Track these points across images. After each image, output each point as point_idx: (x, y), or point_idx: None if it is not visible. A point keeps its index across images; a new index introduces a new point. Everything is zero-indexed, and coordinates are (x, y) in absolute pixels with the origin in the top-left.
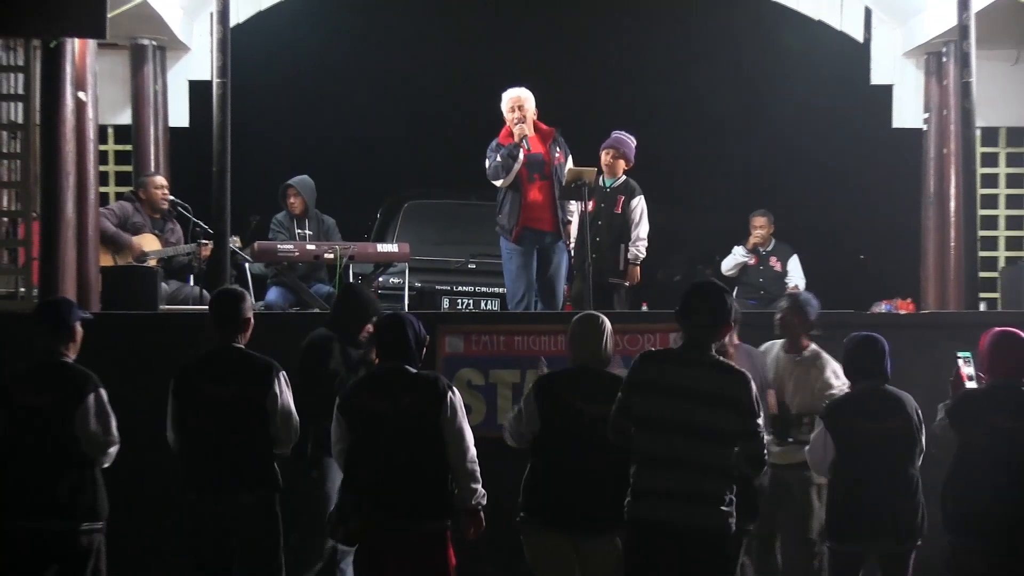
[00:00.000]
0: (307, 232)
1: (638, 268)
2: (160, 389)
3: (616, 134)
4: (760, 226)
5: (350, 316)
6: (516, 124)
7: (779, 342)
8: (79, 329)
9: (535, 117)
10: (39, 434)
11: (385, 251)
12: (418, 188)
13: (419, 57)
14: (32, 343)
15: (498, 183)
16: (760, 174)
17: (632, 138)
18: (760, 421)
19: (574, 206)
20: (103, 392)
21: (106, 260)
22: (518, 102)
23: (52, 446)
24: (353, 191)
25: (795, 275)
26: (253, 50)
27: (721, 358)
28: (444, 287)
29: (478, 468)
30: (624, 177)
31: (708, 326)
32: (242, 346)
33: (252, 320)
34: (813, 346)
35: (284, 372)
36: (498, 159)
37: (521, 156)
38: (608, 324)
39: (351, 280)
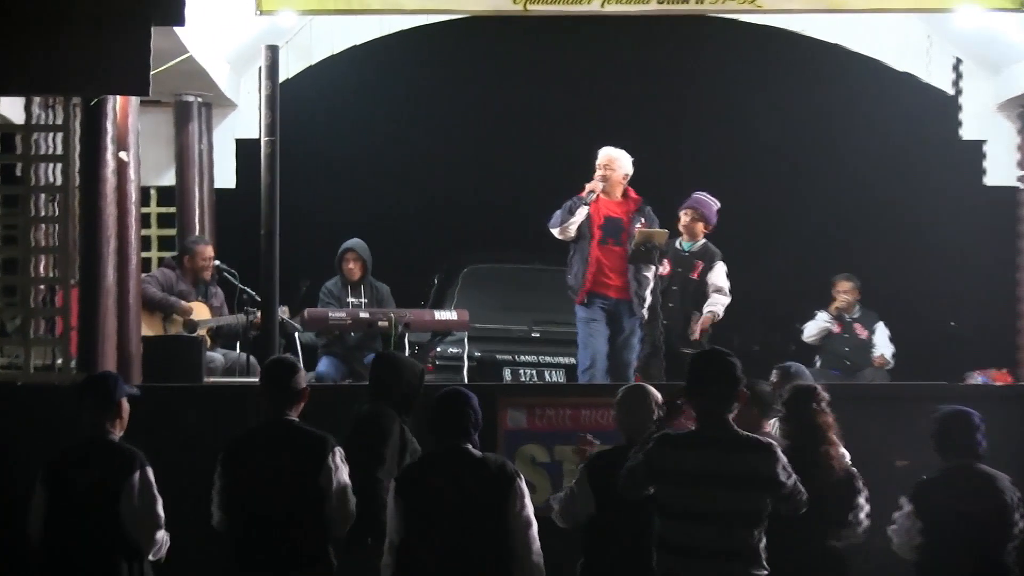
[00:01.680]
0: (360, 300)
1: (708, 321)
2: (206, 466)
3: (697, 195)
4: (844, 291)
5: (400, 384)
6: (603, 182)
7: None
8: (125, 406)
9: (626, 182)
10: (84, 516)
11: (443, 319)
12: (478, 252)
13: (481, 113)
14: (71, 418)
15: (554, 232)
16: (843, 234)
17: (714, 200)
18: (791, 482)
19: (651, 274)
20: (150, 472)
21: (152, 327)
22: (606, 160)
23: (97, 530)
24: (409, 255)
25: (882, 344)
26: (304, 106)
27: (741, 431)
28: (506, 357)
29: (542, 560)
30: (704, 241)
31: (722, 397)
32: (295, 419)
33: (307, 392)
34: None
35: (340, 448)
36: (560, 210)
37: (583, 211)
38: (656, 394)
39: (392, 350)
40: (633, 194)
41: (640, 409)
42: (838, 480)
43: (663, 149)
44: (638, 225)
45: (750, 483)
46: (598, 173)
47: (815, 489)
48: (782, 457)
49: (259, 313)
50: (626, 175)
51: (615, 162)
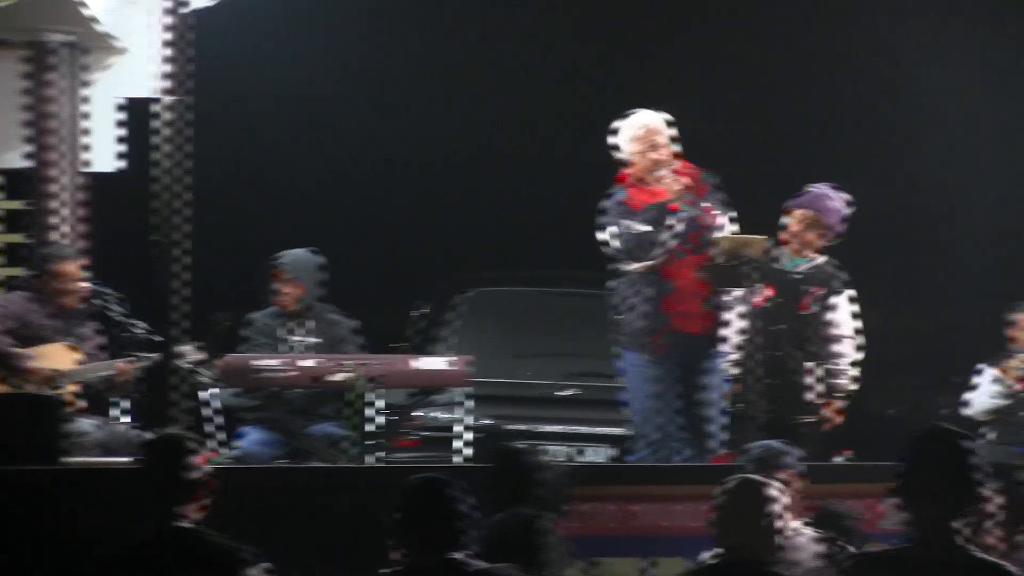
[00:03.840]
0: (306, 339)
1: (840, 403)
2: None
3: (815, 189)
4: None
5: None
6: (658, 171)
7: None
8: None
9: (677, 155)
10: None
11: (433, 369)
12: (485, 269)
13: (484, 67)
14: None
15: (640, 267)
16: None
17: (841, 198)
18: None
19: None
20: None
21: None
22: (653, 136)
23: None
24: (382, 273)
25: None
26: (229, 51)
27: (975, 550)
28: (526, 426)
29: None
30: (820, 257)
31: (949, 500)
32: (194, 525)
33: (210, 484)
34: None
35: (268, 567)
36: (637, 229)
37: (678, 224)
38: (777, 496)
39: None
40: (691, 170)
41: (750, 513)
42: None
43: (757, 122)
44: (711, 211)
45: None
46: (650, 157)
47: None
48: None
49: (152, 358)
50: (675, 146)
51: (662, 133)
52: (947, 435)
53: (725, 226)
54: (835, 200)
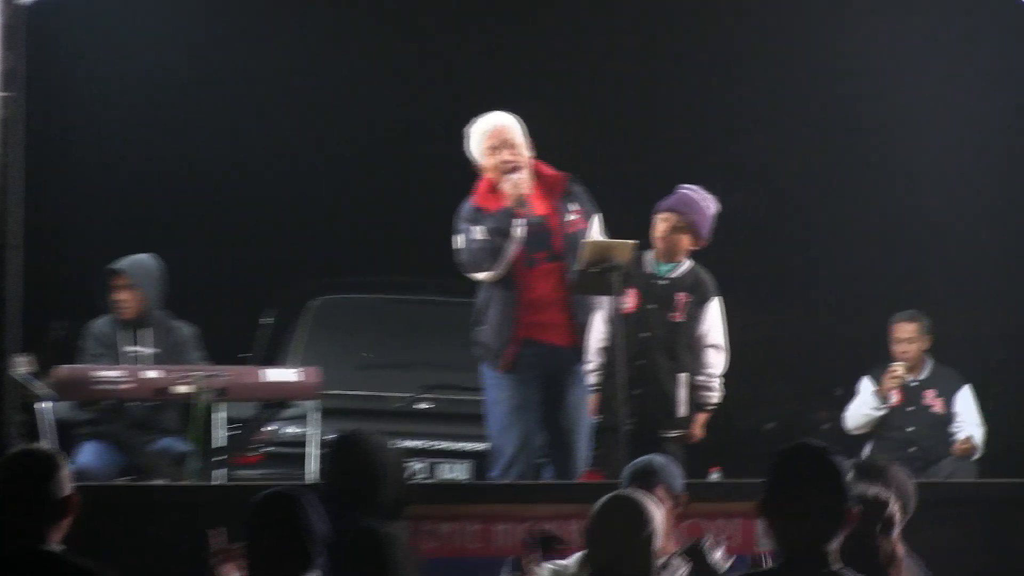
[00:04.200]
0: (147, 349)
1: (706, 416)
2: None
3: (682, 191)
4: (906, 338)
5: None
6: (507, 173)
7: None
8: None
9: (532, 158)
10: None
11: (279, 381)
12: (335, 275)
13: (337, 66)
14: None
15: (483, 276)
16: (907, 250)
17: (709, 199)
18: None
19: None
20: None
21: None
22: (502, 136)
23: None
24: (226, 279)
25: (967, 420)
26: (68, 44)
27: (850, 573)
28: None
29: None
30: (690, 263)
31: (820, 519)
32: (55, 549)
33: (74, 502)
34: None
35: None
36: (478, 236)
37: (521, 231)
38: (655, 513)
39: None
40: (548, 171)
41: (624, 533)
42: None
43: (631, 121)
44: (569, 216)
45: None
46: (499, 160)
47: None
48: None
49: None
50: (530, 147)
51: (514, 135)
52: (814, 452)
53: (590, 230)
54: (705, 202)
